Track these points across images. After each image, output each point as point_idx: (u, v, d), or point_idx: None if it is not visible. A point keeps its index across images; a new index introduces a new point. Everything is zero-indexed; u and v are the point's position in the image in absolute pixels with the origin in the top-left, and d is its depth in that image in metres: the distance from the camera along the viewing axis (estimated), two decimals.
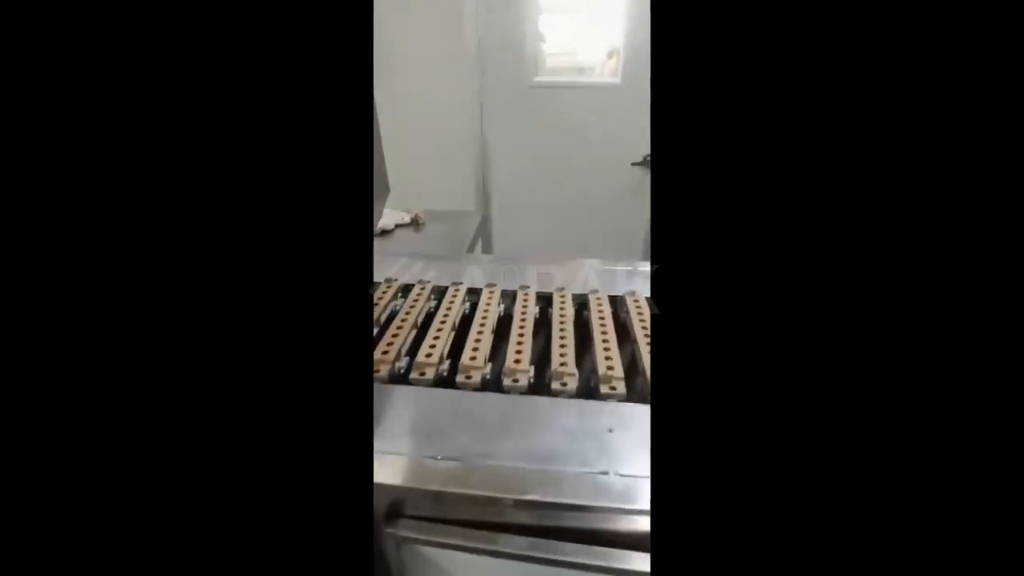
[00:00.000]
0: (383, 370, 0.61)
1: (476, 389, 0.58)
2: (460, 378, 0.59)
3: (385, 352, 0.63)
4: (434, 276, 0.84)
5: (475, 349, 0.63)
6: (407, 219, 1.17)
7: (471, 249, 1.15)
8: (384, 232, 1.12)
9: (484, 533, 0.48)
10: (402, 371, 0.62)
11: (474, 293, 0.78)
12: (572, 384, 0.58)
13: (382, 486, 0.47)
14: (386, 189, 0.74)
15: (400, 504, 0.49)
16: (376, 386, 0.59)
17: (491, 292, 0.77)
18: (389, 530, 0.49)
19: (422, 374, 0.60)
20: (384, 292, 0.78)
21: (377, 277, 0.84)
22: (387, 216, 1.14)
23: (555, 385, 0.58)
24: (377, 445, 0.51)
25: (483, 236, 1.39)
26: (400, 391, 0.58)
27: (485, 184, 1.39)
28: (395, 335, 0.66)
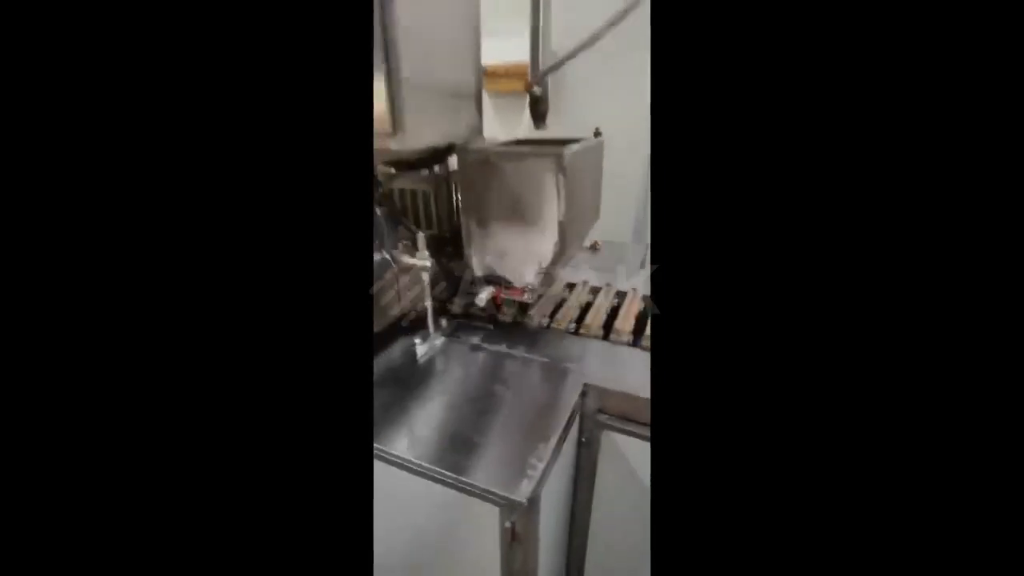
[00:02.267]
0: (563, 326, 1.02)
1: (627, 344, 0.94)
2: (613, 336, 0.97)
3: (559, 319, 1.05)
4: (595, 280, 1.21)
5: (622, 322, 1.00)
6: (587, 244, 1.57)
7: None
8: None
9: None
10: (571, 330, 1.02)
11: (622, 295, 1.14)
12: None
13: (596, 387, 0.80)
14: (597, 215, 1.07)
15: (605, 405, 0.81)
16: (569, 336, 0.98)
17: (635, 293, 1.13)
18: (600, 418, 0.82)
19: (587, 331, 0.99)
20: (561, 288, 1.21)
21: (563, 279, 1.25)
22: None
23: None
24: (583, 371, 0.84)
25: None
26: (578, 340, 0.97)
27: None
28: (565, 312, 1.07)
